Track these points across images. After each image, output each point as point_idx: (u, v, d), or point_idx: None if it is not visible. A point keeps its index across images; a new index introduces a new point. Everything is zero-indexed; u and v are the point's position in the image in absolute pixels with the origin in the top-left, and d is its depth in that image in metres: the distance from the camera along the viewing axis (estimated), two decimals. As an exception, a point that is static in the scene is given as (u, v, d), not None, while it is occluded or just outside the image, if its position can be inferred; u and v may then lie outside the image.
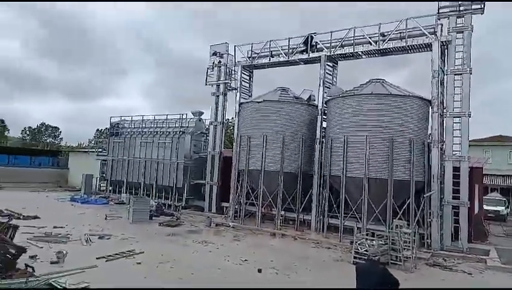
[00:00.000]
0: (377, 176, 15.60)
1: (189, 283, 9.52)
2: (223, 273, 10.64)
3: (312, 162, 18.87)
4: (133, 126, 29.40)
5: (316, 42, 19.47)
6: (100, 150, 32.46)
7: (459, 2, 15.57)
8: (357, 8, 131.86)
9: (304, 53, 19.69)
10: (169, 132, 26.19)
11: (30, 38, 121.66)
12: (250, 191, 20.00)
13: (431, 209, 15.27)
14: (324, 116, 18.76)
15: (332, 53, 18.81)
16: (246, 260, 12.10)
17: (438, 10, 16.02)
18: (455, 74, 15.62)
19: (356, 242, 12.74)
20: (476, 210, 18.09)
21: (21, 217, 17.18)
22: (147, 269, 10.39)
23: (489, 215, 23.75)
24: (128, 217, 18.83)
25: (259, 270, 10.91)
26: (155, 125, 27.66)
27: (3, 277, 8.02)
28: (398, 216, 14.91)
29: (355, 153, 16.13)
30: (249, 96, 22.60)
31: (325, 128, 18.70)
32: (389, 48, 17.42)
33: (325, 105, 18.72)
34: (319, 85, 18.89)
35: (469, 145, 15.41)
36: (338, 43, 18.62)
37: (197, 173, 25.09)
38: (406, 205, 15.37)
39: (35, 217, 17.43)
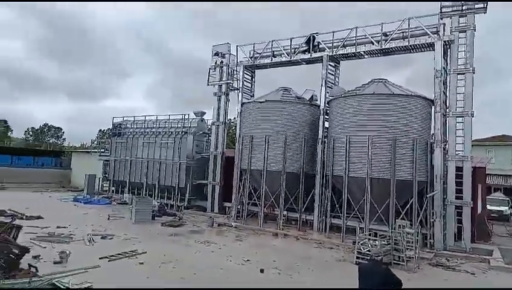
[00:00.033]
0: (380, 176, 15.57)
1: (192, 283, 9.54)
2: (226, 273, 10.65)
3: (314, 162, 18.86)
4: (135, 126, 29.48)
5: (318, 42, 19.46)
6: (103, 150, 32.54)
7: (462, 2, 15.52)
8: (357, 8, 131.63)
9: (306, 53, 19.69)
10: (171, 132, 26.24)
11: (31, 38, 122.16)
12: (252, 191, 20.01)
13: (434, 209, 15.23)
14: (326, 116, 18.75)
15: (334, 53, 18.79)
16: (248, 260, 12.11)
17: (441, 9, 15.97)
18: (458, 74, 15.57)
19: (359, 242, 12.71)
20: (479, 210, 18.03)
21: (24, 217, 17.24)
22: (150, 269, 10.41)
23: (492, 215, 23.68)
24: (131, 217, 18.87)
25: (262, 271, 10.90)
26: (157, 126, 27.71)
27: (7, 276, 8.04)
28: (401, 216, 14.91)
29: (358, 153, 16.11)
30: (251, 96, 22.61)
31: (327, 128, 18.69)
32: (391, 48, 17.38)
33: (327, 105, 18.71)
34: (321, 85, 18.88)
35: (472, 145, 15.36)
36: (340, 43, 18.61)
37: (199, 173, 25.13)
38: (408, 205, 15.34)
39: (39, 217, 17.49)
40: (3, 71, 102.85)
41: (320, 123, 18.70)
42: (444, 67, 15.97)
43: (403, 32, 16.94)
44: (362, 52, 18.31)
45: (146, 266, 10.70)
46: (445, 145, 15.74)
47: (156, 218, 19.51)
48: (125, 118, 31.13)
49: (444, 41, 15.81)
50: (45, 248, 11.94)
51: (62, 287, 8.04)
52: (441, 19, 16.07)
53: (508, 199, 28.00)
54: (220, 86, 23.85)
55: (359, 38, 18.09)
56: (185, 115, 26.15)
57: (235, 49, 22.27)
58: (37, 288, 7.80)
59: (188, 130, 25.59)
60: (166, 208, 22.73)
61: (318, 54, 19.26)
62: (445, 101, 16.02)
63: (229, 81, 23.61)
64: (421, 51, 17.46)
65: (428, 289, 10.52)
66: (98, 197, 27.60)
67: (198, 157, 25.49)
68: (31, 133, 76.17)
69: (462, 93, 15.43)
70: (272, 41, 20.80)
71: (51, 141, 75.44)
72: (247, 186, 19.92)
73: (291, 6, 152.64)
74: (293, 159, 18.85)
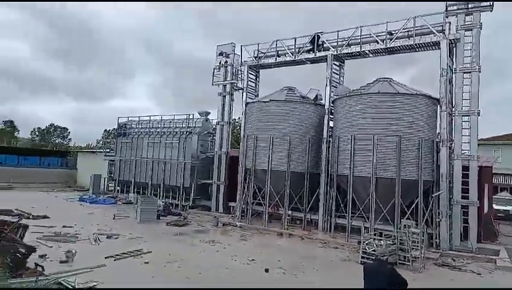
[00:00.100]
0: (385, 175, 15.50)
1: (197, 283, 9.56)
2: (231, 273, 10.66)
3: (319, 162, 18.83)
4: (140, 126, 29.58)
5: (323, 41, 19.41)
6: (108, 150, 32.69)
7: (468, 0, 15.39)
8: (357, 8, 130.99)
9: (311, 52, 19.64)
10: (176, 132, 26.31)
11: (37, 39, 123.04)
12: (257, 190, 20.00)
13: (440, 208, 15.13)
14: (331, 116, 18.69)
15: (339, 52, 18.74)
16: (253, 260, 12.11)
17: (446, 8, 15.88)
18: (464, 72, 15.47)
19: (364, 242, 12.67)
20: (486, 210, 17.88)
21: (31, 216, 17.37)
22: (155, 269, 10.45)
23: (499, 214, 23.47)
24: (136, 217, 18.95)
25: (267, 270, 10.91)
26: (162, 126, 27.80)
27: (14, 275, 8.11)
28: (406, 216, 14.82)
29: (363, 152, 16.04)
30: (256, 96, 22.61)
31: (332, 127, 18.64)
32: (396, 47, 17.30)
33: (332, 104, 18.65)
34: (326, 84, 18.83)
35: (478, 144, 15.25)
36: (345, 42, 18.56)
37: (204, 172, 25.18)
38: (414, 205, 15.25)
39: (45, 217, 17.63)
40: (10, 72, 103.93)
41: (325, 122, 18.66)
42: (449, 66, 15.86)
43: (408, 31, 16.85)
44: (367, 51, 18.22)
45: (151, 266, 10.74)
46: (451, 144, 15.63)
47: (161, 217, 19.58)
48: (130, 118, 31.27)
49: (450, 40, 15.70)
50: (51, 247, 12.04)
51: (68, 286, 8.10)
52: (447, 17, 15.98)
53: (514, 198, 27.76)
54: (225, 85, 23.88)
55: (364, 38, 18.02)
56: (189, 115, 26.26)
57: (240, 49, 22.33)
58: (43, 287, 7.87)
59: (193, 130, 25.64)
60: (171, 207, 22.78)
61: (323, 53, 19.21)
62: (451, 100, 15.91)
63: (233, 81, 23.63)
64: (427, 50, 17.35)
65: (434, 289, 10.47)
66: (104, 197, 27.72)
67: (202, 157, 25.54)
68: (37, 133, 76.81)
69: (468, 92, 15.33)
70: (276, 40, 20.78)
71: (57, 141, 76.08)
72: (251, 186, 19.92)
73: (291, 6, 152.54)
74: (297, 158, 18.81)
